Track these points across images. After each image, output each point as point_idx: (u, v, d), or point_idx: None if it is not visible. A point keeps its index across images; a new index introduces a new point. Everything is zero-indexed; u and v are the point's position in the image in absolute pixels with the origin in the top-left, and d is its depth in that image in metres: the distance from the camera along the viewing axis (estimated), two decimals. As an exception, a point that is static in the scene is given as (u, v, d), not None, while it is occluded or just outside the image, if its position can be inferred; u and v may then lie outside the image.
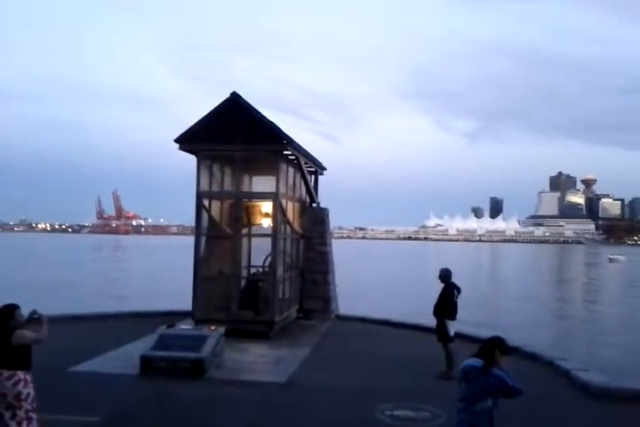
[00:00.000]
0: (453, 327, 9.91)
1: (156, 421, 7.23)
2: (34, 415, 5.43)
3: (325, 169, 17.17)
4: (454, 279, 10.12)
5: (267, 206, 13.44)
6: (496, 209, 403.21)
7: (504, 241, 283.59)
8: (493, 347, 4.58)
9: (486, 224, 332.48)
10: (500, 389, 4.45)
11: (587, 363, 12.40)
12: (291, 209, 14.03)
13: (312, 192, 15.78)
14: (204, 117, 12.42)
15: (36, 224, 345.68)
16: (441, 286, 10.07)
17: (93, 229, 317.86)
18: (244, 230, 13.87)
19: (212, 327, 10.02)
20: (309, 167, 15.50)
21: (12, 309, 5.53)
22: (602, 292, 44.88)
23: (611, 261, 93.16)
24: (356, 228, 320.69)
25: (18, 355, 5.39)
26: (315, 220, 15.60)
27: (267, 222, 13.68)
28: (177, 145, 12.59)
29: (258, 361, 10.63)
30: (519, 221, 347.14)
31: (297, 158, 13.71)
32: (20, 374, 5.39)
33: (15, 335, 5.35)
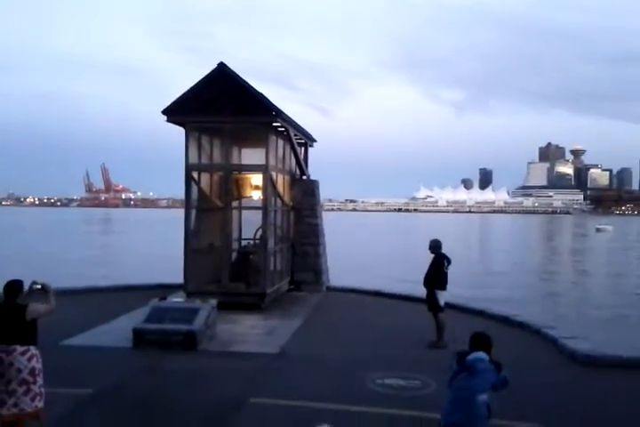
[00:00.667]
0: (444, 297, 10.00)
1: (149, 393, 7.28)
2: (43, 391, 5.44)
3: (315, 141, 17.04)
4: (444, 250, 10.18)
5: (257, 179, 13.36)
6: (485, 180, 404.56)
7: (493, 212, 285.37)
8: (491, 343, 4.84)
9: (476, 195, 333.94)
10: (502, 384, 4.73)
11: (573, 331, 12.60)
12: (281, 181, 13.95)
13: (302, 164, 15.68)
14: (191, 89, 12.21)
15: (24, 198, 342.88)
16: (431, 256, 10.12)
17: (82, 203, 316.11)
18: (235, 203, 13.81)
19: (205, 300, 10.05)
20: (299, 139, 15.36)
21: (20, 285, 5.52)
22: (588, 262, 45.42)
23: (598, 231, 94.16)
24: (346, 200, 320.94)
25: (29, 330, 5.40)
26: (305, 192, 15.54)
27: (257, 195, 13.63)
28: (165, 117, 12.42)
29: (250, 333, 10.70)
30: (508, 192, 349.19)
31: (286, 130, 13.56)
32: (33, 349, 5.39)
33: (29, 311, 5.34)
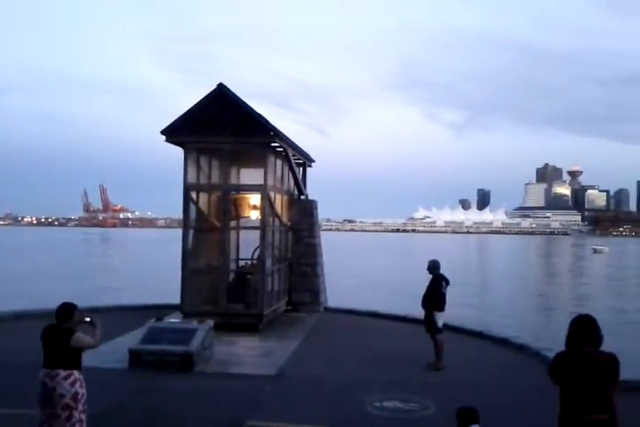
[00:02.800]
0: (442, 319, 9.94)
1: (146, 414, 7.20)
2: (84, 417, 5.37)
3: (314, 161, 17.12)
4: (442, 271, 10.16)
5: (255, 199, 13.37)
6: (483, 201, 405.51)
7: (491, 233, 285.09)
8: (478, 414, 4.86)
9: (474, 216, 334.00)
10: None
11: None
12: (279, 201, 13.98)
13: (300, 184, 15.73)
14: (190, 109, 12.31)
15: (22, 218, 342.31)
16: (429, 277, 10.10)
17: (80, 223, 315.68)
18: (233, 223, 13.81)
19: (201, 321, 9.98)
20: (297, 159, 15.43)
21: (73, 310, 5.50)
22: (586, 282, 45.31)
23: (595, 252, 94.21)
24: (344, 220, 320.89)
25: (73, 354, 5.36)
26: (303, 212, 15.56)
27: (255, 215, 13.63)
28: (163, 137, 12.49)
29: (247, 354, 10.62)
30: (506, 213, 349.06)
31: (285, 150, 13.64)
32: (76, 374, 5.34)
33: (74, 338, 5.32)
